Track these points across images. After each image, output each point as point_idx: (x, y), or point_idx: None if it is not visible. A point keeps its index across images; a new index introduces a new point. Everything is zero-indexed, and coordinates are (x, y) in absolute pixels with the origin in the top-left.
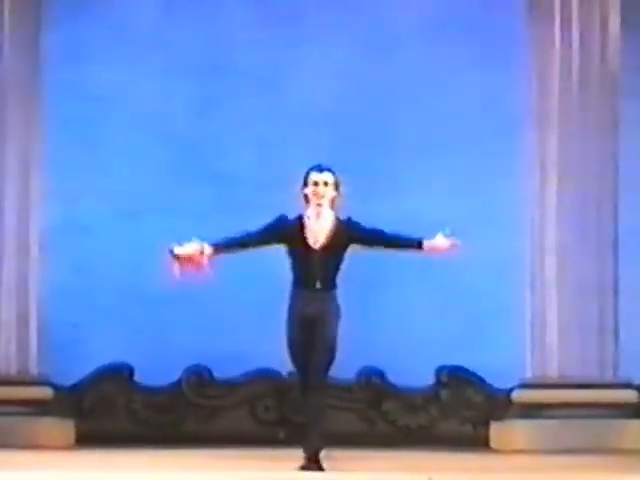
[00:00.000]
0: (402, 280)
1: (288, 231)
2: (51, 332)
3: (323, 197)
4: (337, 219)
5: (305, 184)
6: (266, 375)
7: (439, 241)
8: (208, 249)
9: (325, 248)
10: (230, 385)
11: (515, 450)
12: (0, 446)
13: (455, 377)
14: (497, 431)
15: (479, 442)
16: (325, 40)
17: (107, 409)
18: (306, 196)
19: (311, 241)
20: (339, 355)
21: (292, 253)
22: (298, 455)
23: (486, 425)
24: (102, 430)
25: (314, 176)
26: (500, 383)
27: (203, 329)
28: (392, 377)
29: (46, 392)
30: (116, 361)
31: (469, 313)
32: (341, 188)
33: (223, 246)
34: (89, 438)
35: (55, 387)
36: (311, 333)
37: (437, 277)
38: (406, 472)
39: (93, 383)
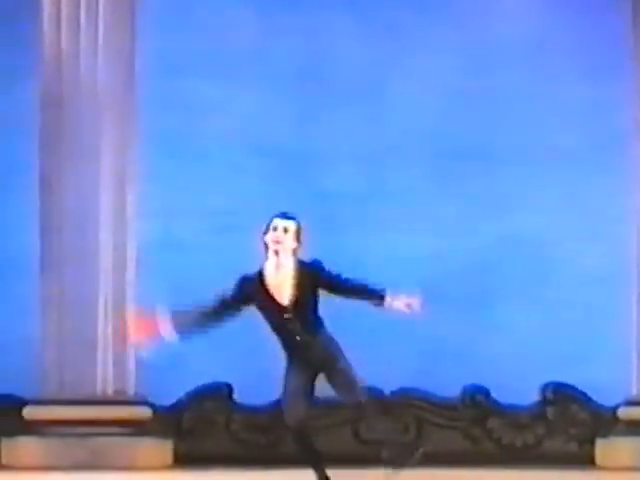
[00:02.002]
0: (506, 296)
1: (251, 292)
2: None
3: (280, 244)
4: (299, 264)
5: (266, 231)
6: (369, 393)
7: (400, 302)
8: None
9: (294, 301)
10: (332, 404)
11: (621, 467)
12: (99, 467)
13: (560, 394)
14: (603, 448)
15: (585, 460)
16: (427, 53)
17: (206, 429)
18: (265, 244)
19: (277, 297)
20: (443, 373)
21: (263, 313)
22: (402, 475)
23: (592, 442)
24: (201, 450)
25: (275, 222)
26: (605, 400)
27: None
28: (497, 395)
29: (144, 412)
30: (215, 380)
31: (573, 329)
32: (302, 237)
33: (189, 324)
34: (188, 458)
35: (153, 407)
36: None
37: (541, 293)
38: None
39: (192, 403)
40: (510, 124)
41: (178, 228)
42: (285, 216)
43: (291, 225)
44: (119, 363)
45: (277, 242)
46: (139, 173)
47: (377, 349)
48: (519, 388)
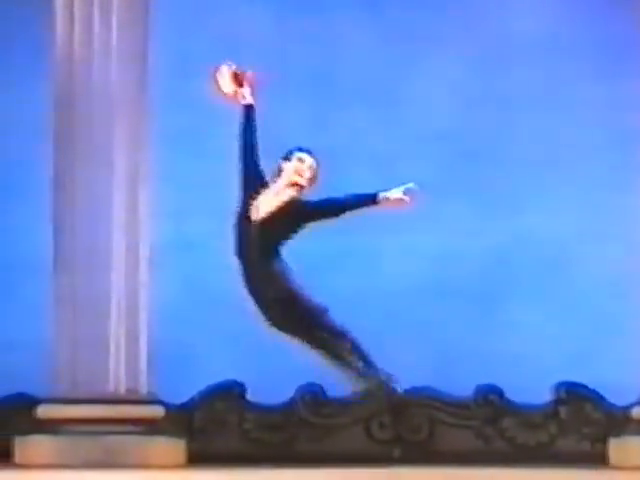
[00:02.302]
0: (519, 296)
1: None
2: (161, 350)
3: (301, 177)
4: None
5: (286, 158)
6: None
7: (394, 193)
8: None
9: (266, 221)
10: (344, 403)
11: (634, 467)
12: (111, 465)
13: (573, 394)
14: (616, 448)
15: (597, 459)
16: (441, 55)
17: (219, 428)
18: (279, 169)
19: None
20: (456, 372)
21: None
22: (414, 474)
23: (604, 442)
24: (213, 449)
25: (302, 154)
26: (618, 399)
27: None
28: (510, 394)
29: (157, 411)
30: (228, 379)
31: (586, 329)
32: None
33: None
34: (200, 457)
35: (166, 406)
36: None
37: (555, 292)
38: None
39: (204, 402)
40: (525, 124)
41: (191, 228)
42: (311, 154)
43: (314, 165)
44: (131, 362)
45: (300, 174)
46: (152, 173)
47: (390, 348)
48: (532, 387)
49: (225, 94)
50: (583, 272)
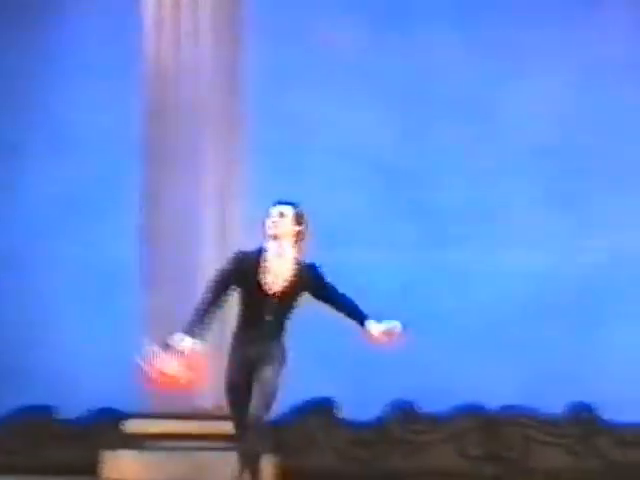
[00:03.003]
0: (615, 315)
1: (248, 268)
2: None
3: (276, 228)
4: (298, 260)
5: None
6: (473, 409)
7: (379, 330)
8: (196, 347)
9: (282, 294)
10: (437, 420)
11: None
12: None
13: None
14: None
15: None
16: (537, 70)
17: (310, 445)
18: (266, 234)
19: (267, 285)
20: (549, 390)
21: (245, 292)
22: None
23: None
24: (305, 466)
25: (270, 209)
26: None
27: (409, 361)
28: (603, 412)
29: None
30: (319, 396)
31: None
32: (304, 226)
33: (202, 329)
34: (291, 474)
35: None
36: (251, 375)
37: None
38: None
39: (295, 418)
40: (624, 141)
41: None
42: (282, 202)
43: (287, 210)
44: (219, 377)
45: (274, 226)
46: (242, 188)
47: (484, 365)
48: (626, 406)
49: None
50: None
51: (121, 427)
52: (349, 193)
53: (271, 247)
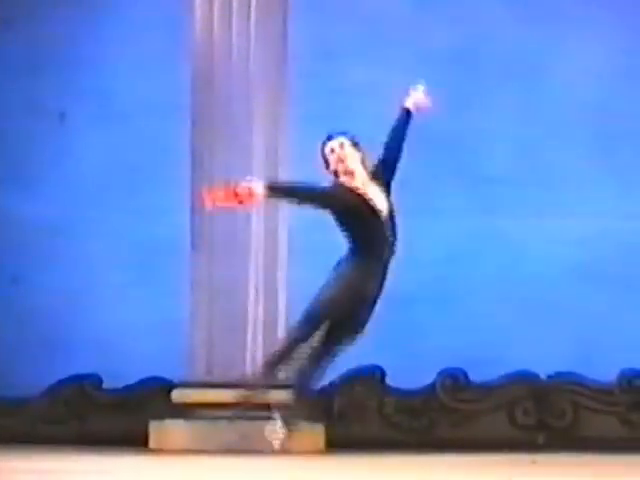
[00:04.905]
0: None
1: (348, 200)
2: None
3: (346, 159)
4: (374, 172)
5: (326, 163)
6: (524, 378)
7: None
8: (259, 189)
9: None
10: (487, 388)
11: None
12: (248, 451)
13: None
14: None
15: None
16: (585, 35)
17: (358, 413)
18: (335, 173)
19: (374, 204)
20: (600, 357)
21: (357, 220)
22: (559, 460)
23: None
24: (353, 434)
25: (326, 146)
26: None
27: (458, 329)
28: None
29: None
30: (367, 364)
31: None
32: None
33: (279, 192)
34: (340, 442)
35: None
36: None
37: None
38: None
39: (344, 386)
40: None
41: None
42: (330, 137)
43: (343, 139)
44: (269, 346)
45: (342, 159)
46: (290, 155)
47: (533, 332)
48: None
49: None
50: None
51: (169, 396)
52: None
53: (346, 181)
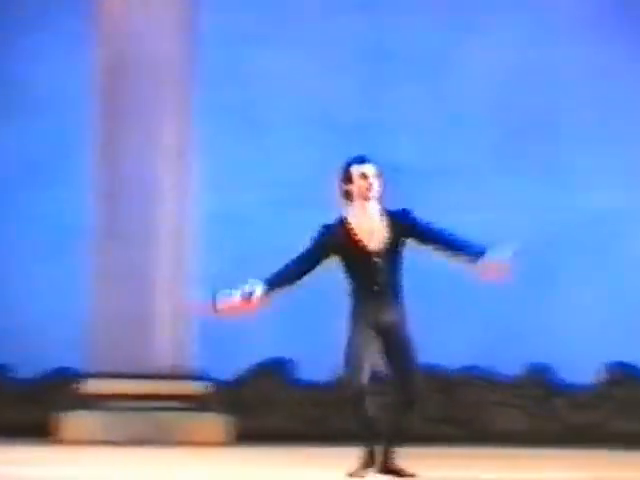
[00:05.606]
0: (570, 274)
1: (336, 238)
2: (208, 326)
3: (372, 191)
4: (386, 211)
5: (347, 180)
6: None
7: (499, 260)
8: (259, 292)
9: (385, 248)
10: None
11: None
12: (160, 442)
13: (627, 374)
14: None
15: None
16: (489, 28)
17: (266, 405)
18: (348, 193)
19: (366, 242)
20: (508, 351)
21: (347, 261)
22: (464, 453)
23: None
24: (261, 426)
25: (363, 168)
26: None
27: None
28: (562, 373)
29: (203, 387)
30: (275, 356)
31: (636, 308)
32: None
33: (276, 285)
34: (248, 434)
35: (213, 382)
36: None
37: (606, 270)
38: (577, 471)
39: (253, 378)
40: (576, 100)
41: (237, 201)
42: (366, 160)
43: (377, 169)
44: (177, 337)
45: (370, 189)
46: (198, 145)
47: (442, 328)
48: (583, 367)
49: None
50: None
51: (77, 387)
52: (303, 149)
53: (356, 209)
